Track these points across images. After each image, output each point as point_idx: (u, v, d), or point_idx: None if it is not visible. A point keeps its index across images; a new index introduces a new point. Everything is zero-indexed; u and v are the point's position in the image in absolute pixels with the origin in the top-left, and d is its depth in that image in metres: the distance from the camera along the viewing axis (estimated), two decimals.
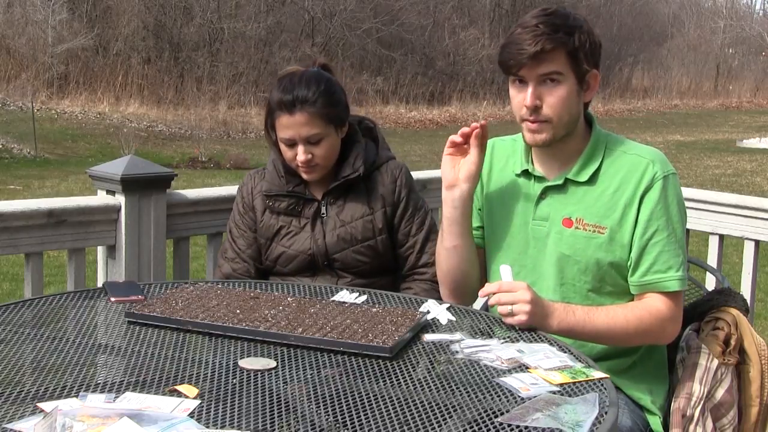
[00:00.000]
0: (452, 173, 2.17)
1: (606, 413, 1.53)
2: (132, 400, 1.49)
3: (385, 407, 1.53)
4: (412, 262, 2.58)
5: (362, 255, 2.52)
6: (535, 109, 2.05)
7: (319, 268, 2.53)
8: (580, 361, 1.77)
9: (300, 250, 2.52)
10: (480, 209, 2.29)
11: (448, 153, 2.18)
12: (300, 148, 2.45)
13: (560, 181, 2.12)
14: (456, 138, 2.16)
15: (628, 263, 2.08)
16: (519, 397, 1.58)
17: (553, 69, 2.02)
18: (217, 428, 1.42)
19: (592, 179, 2.10)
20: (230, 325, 1.88)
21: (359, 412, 1.50)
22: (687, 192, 3.37)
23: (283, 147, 2.49)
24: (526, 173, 2.18)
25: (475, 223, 2.29)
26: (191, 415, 1.44)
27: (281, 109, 2.44)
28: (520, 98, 2.06)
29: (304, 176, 2.51)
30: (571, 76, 2.04)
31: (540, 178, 2.15)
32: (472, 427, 1.46)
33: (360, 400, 1.56)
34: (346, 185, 2.53)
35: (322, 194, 2.55)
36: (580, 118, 2.12)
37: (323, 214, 2.54)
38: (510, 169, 2.22)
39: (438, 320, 2.04)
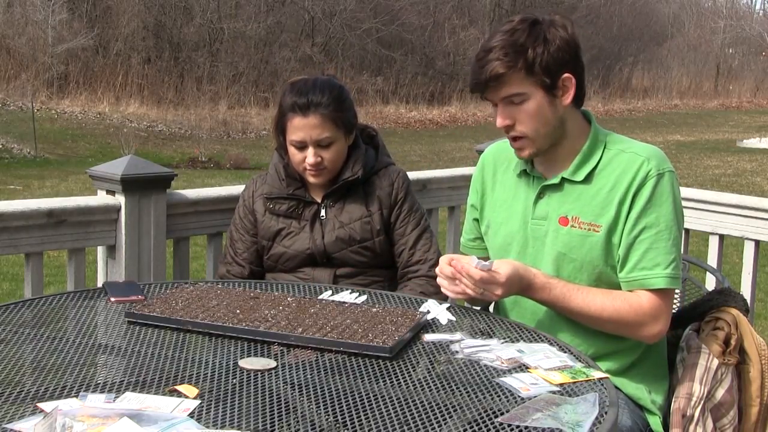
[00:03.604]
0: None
1: (606, 413, 1.53)
2: (132, 400, 1.50)
3: (385, 407, 1.53)
4: (405, 259, 2.63)
5: (360, 255, 2.56)
6: (510, 128, 2.08)
7: (318, 264, 2.58)
8: (580, 361, 1.78)
9: (299, 249, 2.57)
10: (476, 219, 2.31)
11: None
12: (310, 151, 2.50)
13: (557, 180, 2.12)
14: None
15: (617, 260, 2.08)
16: (519, 397, 1.59)
17: (513, 91, 2.04)
18: (217, 428, 1.42)
19: (589, 178, 2.10)
20: (230, 325, 1.88)
21: (359, 412, 1.51)
22: (687, 192, 3.37)
23: (292, 150, 2.54)
24: (525, 173, 2.19)
25: (471, 235, 2.35)
26: (191, 415, 1.44)
27: (294, 111, 2.49)
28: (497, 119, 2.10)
29: (311, 179, 2.55)
30: (536, 90, 2.03)
31: (538, 178, 2.16)
32: (472, 427, 1.46)
33: (360, 400, 1.56)
34: (345, 188, 2.59)
35: (321, 197, 2.59)
36: (570, 120, 2.10)
37: (322, 216, 2.58)
38: (511, 169, 2.23)
39: (438, 320, 2.04)
